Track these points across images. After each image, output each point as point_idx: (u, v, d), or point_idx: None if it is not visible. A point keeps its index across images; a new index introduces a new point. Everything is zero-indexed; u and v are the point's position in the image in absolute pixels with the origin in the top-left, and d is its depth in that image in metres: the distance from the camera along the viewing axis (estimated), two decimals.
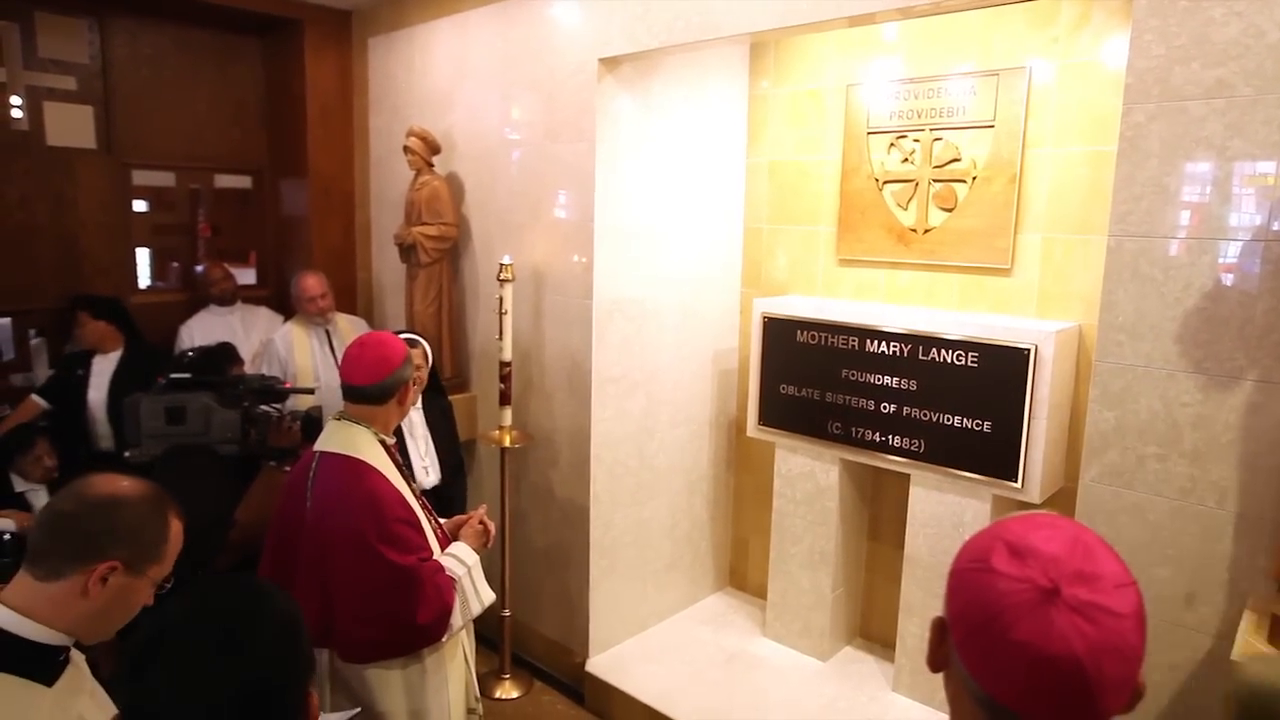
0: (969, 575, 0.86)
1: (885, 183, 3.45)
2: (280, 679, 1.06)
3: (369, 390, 2.19)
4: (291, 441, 2.63)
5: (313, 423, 2.66)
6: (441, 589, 2.13)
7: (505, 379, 3.46)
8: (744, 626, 3.87)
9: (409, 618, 2.07)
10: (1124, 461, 2.23)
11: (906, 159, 3.38)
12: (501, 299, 3.40)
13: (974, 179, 3.18)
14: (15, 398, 4.18)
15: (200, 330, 4.28)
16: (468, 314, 4.02)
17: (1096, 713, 0.79)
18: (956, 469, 3.00)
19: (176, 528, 1.42)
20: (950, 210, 3.27)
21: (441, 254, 3.88)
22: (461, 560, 2.26)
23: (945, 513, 3.08)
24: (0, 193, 4.08)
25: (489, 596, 2.29)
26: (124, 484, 1.39)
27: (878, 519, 3.65)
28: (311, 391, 3.26)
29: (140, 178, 4.62)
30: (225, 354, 3.27)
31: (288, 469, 2.60)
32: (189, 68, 4.62)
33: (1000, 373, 2.86)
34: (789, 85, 3.75)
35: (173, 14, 4.43)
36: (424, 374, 3.09)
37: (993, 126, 3.11)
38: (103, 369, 3.81)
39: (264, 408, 2.65)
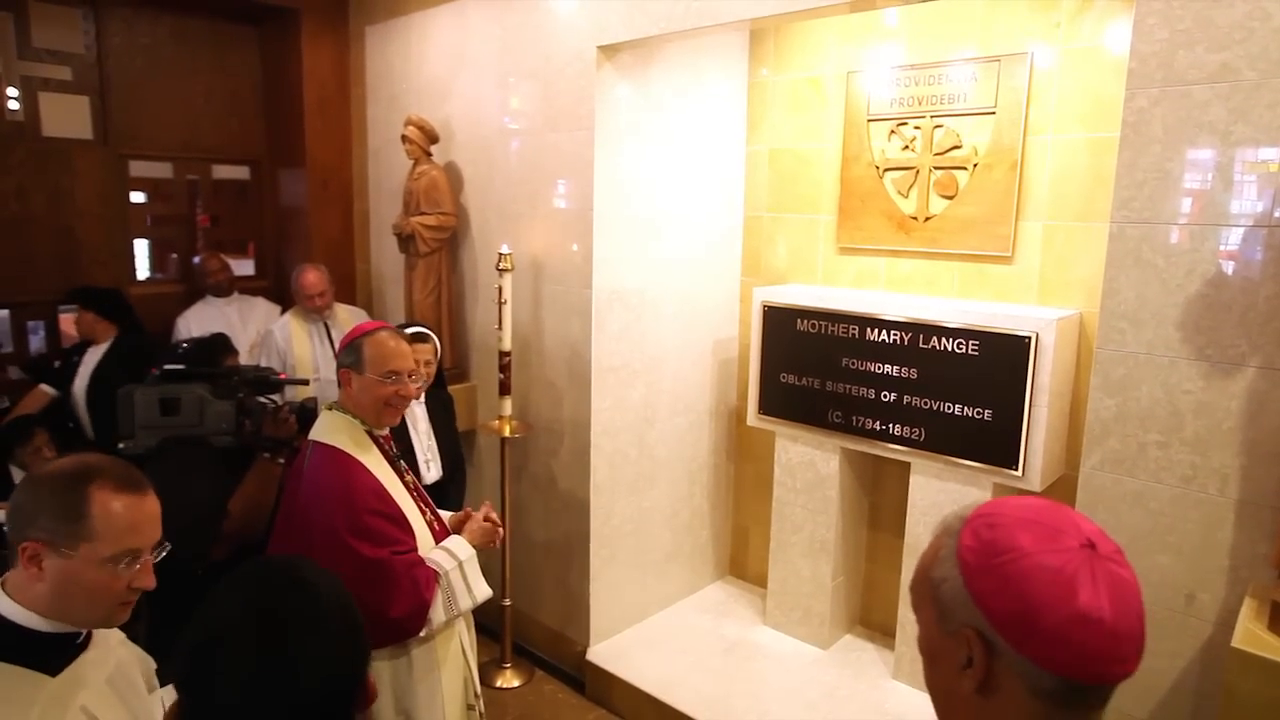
0: (1002, 568, 0.83)
1: (886, 170, 3.43)
2: (346, 671, 1.07)
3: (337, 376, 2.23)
4: (287, 433, 2.62)
5: (308, 414, 2.65)
6: (419, 583, 2.10)
7: (505, 369, 3.45)
8: (744, 615, 3.87)
9: (379, 611, 2.02)
10: (1125, 449, 2.22)
11: (907, 146, 3.36)
12: (500, 289, 3.39)
13: (975, 166, 3.16)
14: (13, 390, 4.18)
15: (197, 321, 4.27)
16: (467, 304, 4.01)
17: (1138, 655, 0.82)
18: (957, 457, 3.00)
19: (106, 500, 1.31)
20: (951, 198, 3.25)
21: (440, 244, 3.86)
22: (453, 554, 2.23)
23: (946, 501, 3.07)
24: None
25: (483, 592, 2.25)
26: (50, 465, 1.37)
27: (878, 508, 3.65)
28: (306, 383, 3.25)
29: (137, 169, 4.59)
30: (219, 344, 3.25)
31: (281, 460, 2.59)
32: (186, 57, 4.59)
33: (1001, 361, 2.85)
34: (789, 72, 3.73)
35: (169, 3, 4.40)
36: (433, 369, 3.08)
37: (994, 113, 3.09)
38: (91, 359, 3.82)
39: (259, 399, 2.63)
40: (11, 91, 4.07)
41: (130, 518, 1.33)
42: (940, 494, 3.08)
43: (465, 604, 2.22)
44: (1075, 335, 2.92)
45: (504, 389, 3.46)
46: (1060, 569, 0.80)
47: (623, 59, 3.31)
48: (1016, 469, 2.85)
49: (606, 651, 3.56)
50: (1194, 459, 2.12)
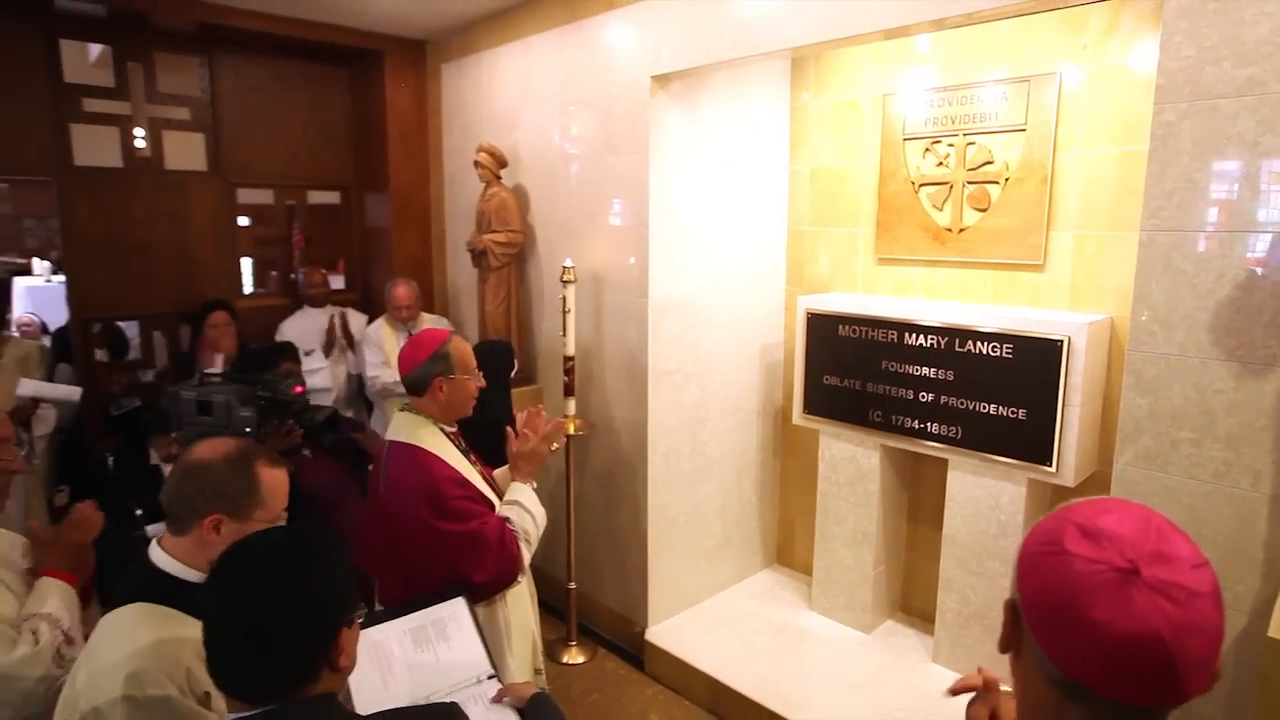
0: (1041, 558, 0.82)
1: (921, 185, 3.39)
2: (319, 605, 1.12)
3: (406, 380, 2.27)
4: (289, 444, 2.70)
5: (329, 424, 2.78)
6: (505, 541, 2.18)
7: (569, 372, 3.51)
8: (791, 601, 3.86)
9: (476, 572, 2.11)
10: (1158, 446, 2.16)
11: (941, 163, 3.32)
12: (565, 299, 3.45)
13: (1006, 180, 3.11)
14: (143, 391, 4.41)
15: (293, 328, 4.43)
16: (533, 313, 4.09)
17: (1180, 693, 0.76)
18: (993, 454, 2.95)
19: (267, 474, 1.47)
20: (984, 210, 3.20)
21: (510, 259, 3.95)
22: (512, 500, 2.27)
23: (982, 495, 3.02)
24: (128, 212, 4.30)
25: (541, 513, 2.30)
26: (206, 450, 1.46)
27: (917, 501, 3.60)
28: (330, 408, 3.31)
29: (244, 195, 4.80)
30: (277, 352, 3.35)
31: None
32: (285, 96, 4.78)
33: (1034, 363, 2.80)
34: (828, 96, 3.72)
35: (271, 49, 4.59)
36: (508, 375, 3.17)
37: (1024, 130, 3.04)
38: (216, 364, 3.97)
39: (281, 406, 2.71)
40: (139, 131, 4.31)
41: (282, 486, 1.49)
42: (977, 488, 3.04)
43: (535, 531, 2.28)
44: (1106, 338, 2.86)
45: (568, 390, 3.52)
46: (1084, 577, 0.77)
47: (674, 87, 3.35)
48: (1050, 465, 2.79)
49: (664, 632, 3.58)
50: (1227, 455, 2.06)
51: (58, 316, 5.88)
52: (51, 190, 4.19)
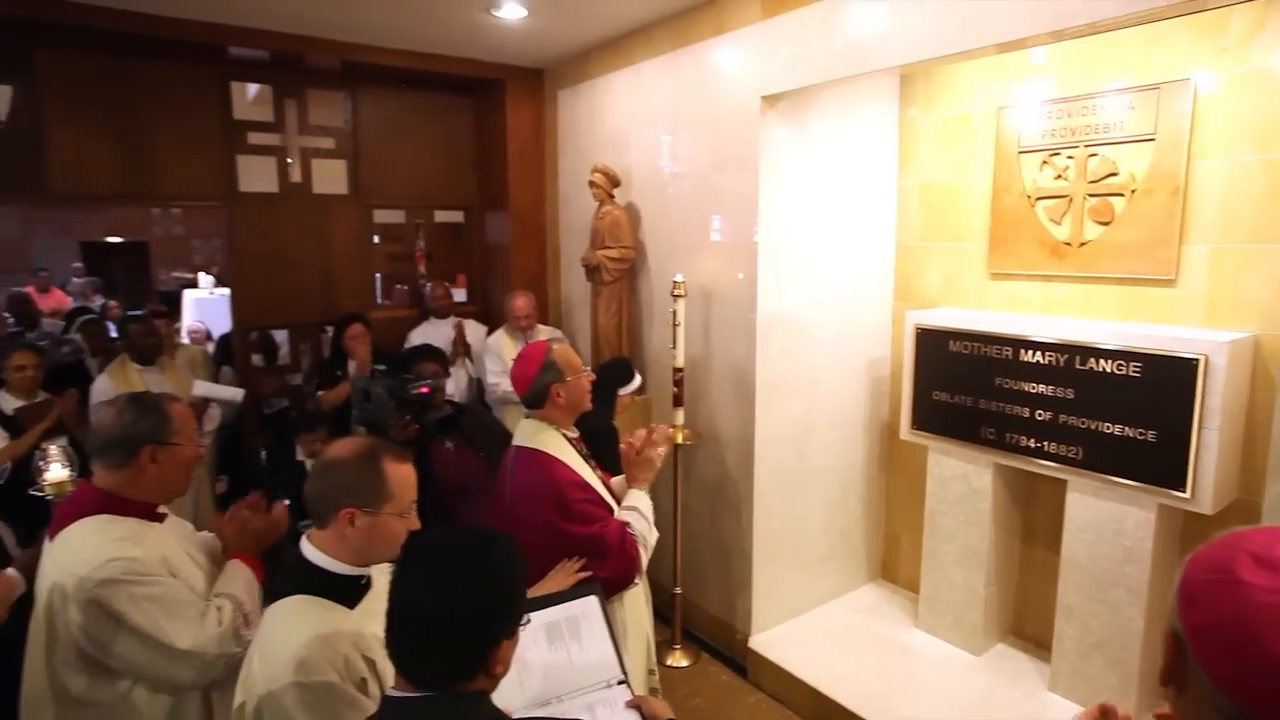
0: (1211, 587, 0.78)
1: (1038, 199, 3.25)
2: (486, 617, 1.16)
3: (524, 398, 2.37)
4: (404, 436, 2.88)
5: (443, 423, 2.99)
6: (625, 543, 2.25)
7: (678, 383, 3.56)
8: (896, 617, 3.75)
9: (598, 572, 2.18)
10: None
11: (1060, 175, 3.17)
12: (675, 312, 3.51)
13: (1133, 192, 2.94)
14: (290, 393, 4.78)
15: (420, 338, 4.69)
16: (644, 325, 4.17)
17: None
18: (1117, 476, 2.78)
19: (393, 469, 1.53)
20: (1107, 224, 3.04)
21: (622, 273, 4.05)
22: (630, 506, 2.35)
23: (1105, 519, 2.85)
24: (281, 231, 4.68)
25: (652, 529, 2.39)
26: (339, 448, 1.56)
27: (1031, 521, 3.43)
28: (452, 404, 3.48)
29: (378, 216, 5.12)
30: (419, 352, 3.58)
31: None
32: (416, 124, 5.08)
33: (1166, 382, 2.62)
34: (939, 110, 3.62)
35: (405, 82, 4.89)
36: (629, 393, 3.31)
37: (1153, 140, 2.86)
38: (354, 370, 4.26)
39: (411, 401, 2.95)
40: (292, 161, 4.69)
41: (409, 479, 1.56)
42: (1099, 512, 2.87)
43: (651, 536, 2.35)
44: (1249, 358, 2.64)
45: (677, 401, 3.57)
46: (1265, 609, 0.73)
47: (783, 106, 3.35)
48: (1184, 490, 2.60)
49: (767, 641, 3.56)
50: None
51: (218, 325, 6.48)
52: (218, 214, 4.62)
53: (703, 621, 3.88)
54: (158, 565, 1.69)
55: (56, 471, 2.31)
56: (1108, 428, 2.79)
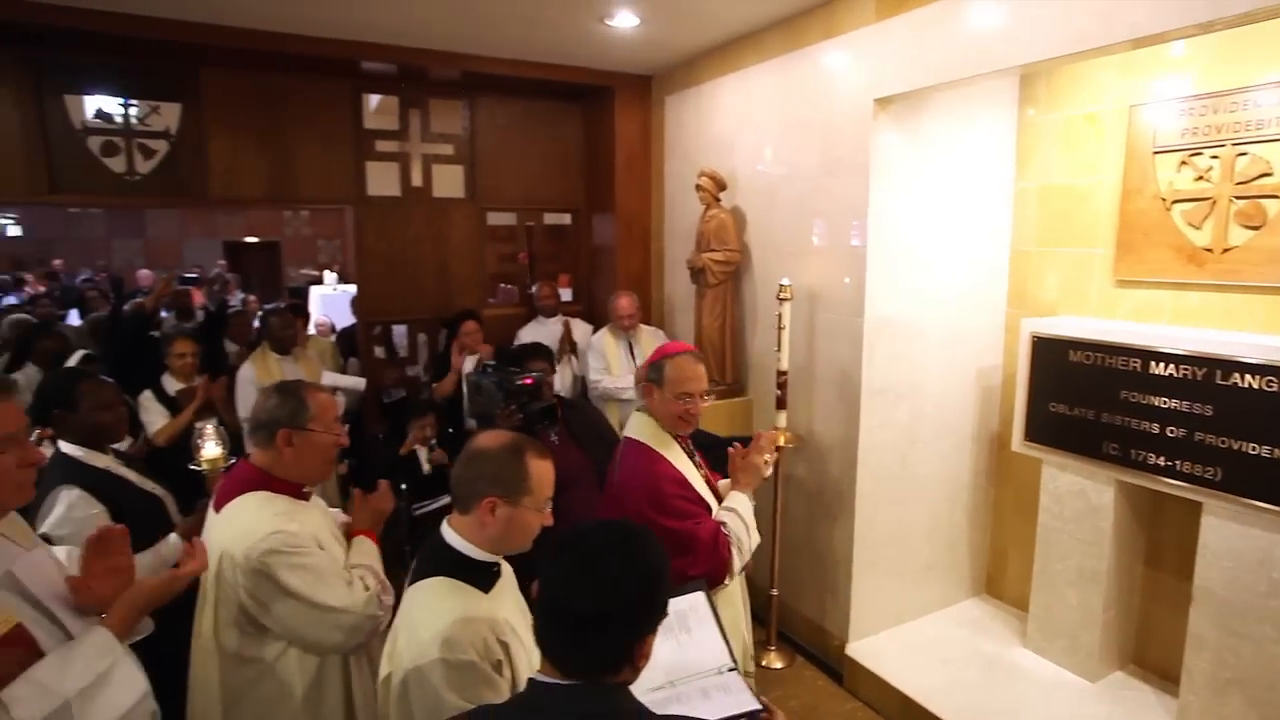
0: None
1: (1174, 202, 3.02)
2: (636, 611, 1.18)
3: (635, 383, 2.47)
4: (509, 425, 2.93)
5: (543, 413, 3.05)
6: (718, 543, 2.24)
7: (782, 386, 3.51)
8: (1002, 634, 3.57)
9: (684, 569, 2.17)
10: None
11: (1201, 177, 2.93)
12: (780, 315, 3.46)
13: None
14: (407, 384, 5.02)
15: (529, 335, 4.82)
16: (747, 328, 4.14)
17: None
18: (1263, 501, 2.54)
19: (536, 465, 1.57)
20: (1257, 228, 2.78)
21: (726, 276, 4.03)
22: (729, 507, 2.35)
23: (1247, 547, 2.61)
24: (403, 233, 4.92)
25: (756, 533, 2.37)
26: (487, 439, 1.61)
27: (1157, 544, 3.19)
28: (558, 398, 3.52)
29: (492, 218, 5.30)
30: (529, 350, 3.68)
31: None
32: (528, 130, 5.22)
33: None
34: (1061, 110, 3.42)
35: (519, 90, 5.04)
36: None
37: None
38: (468, 365, 4.44)
39: (517, 393, 3.06)
40: (415, 167, 4.92)
41: (549, 475, 1.61)
42: (1240, 539, 2.63)
43: (748, 539, 2.32)
44: None
45: (780, 404, 3.53)
46: None
47: (895, 108, 3.25)
48: None
49: (864, 649, 3.47)
50: None
51: (340, 319, 6.87)
52: (346, 216, 4.91)
53: (798, 625, 3.81)
54: (310, 539, 1.82)
55: (211, 449, 2.52)
56: (1253, 448, 2.56)
